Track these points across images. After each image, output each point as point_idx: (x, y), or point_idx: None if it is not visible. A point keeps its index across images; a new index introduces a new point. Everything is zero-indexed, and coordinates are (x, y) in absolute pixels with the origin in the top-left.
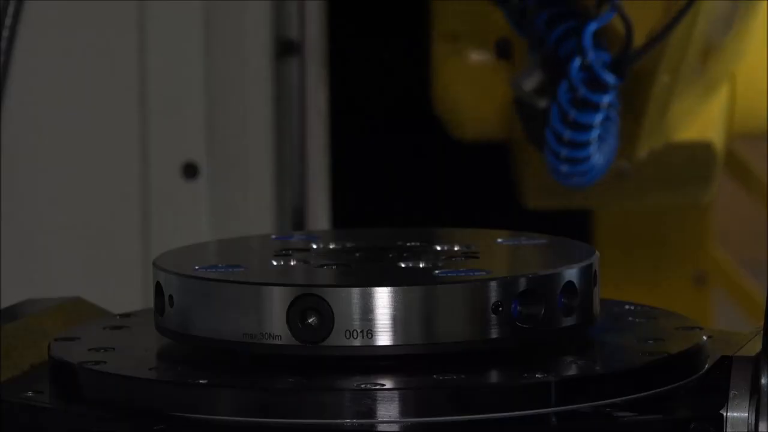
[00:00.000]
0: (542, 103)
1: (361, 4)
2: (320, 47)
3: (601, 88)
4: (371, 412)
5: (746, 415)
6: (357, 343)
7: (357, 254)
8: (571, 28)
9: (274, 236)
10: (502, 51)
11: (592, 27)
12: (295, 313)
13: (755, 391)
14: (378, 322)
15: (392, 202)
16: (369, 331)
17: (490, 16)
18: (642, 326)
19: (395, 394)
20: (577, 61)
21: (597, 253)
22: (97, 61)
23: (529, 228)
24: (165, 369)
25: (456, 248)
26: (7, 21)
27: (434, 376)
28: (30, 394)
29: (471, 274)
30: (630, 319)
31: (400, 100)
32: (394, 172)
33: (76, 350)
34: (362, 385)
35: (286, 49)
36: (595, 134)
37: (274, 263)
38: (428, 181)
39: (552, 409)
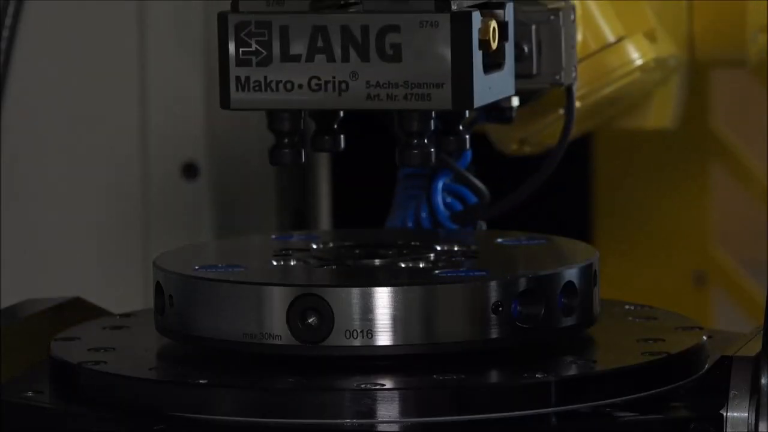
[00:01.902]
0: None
1: None
2: None
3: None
4: (371, 412)
5: (746, 415)
6: (357, 343)
7: (357, 254)
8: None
9: (274, 236)
10: None
11: (439, 184)
12: (295, 313)
13: (755, 391)
14: (378, 322)
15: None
16: (369, 331)
17: None
18: (642, 326)
19: (395, 394)
20: (424, 210)
21: (597, 253)
22: (97, 62)
23: (529, 228)
24: (165, 369)
25: (456, 248)
26: (7, 21)
27: (434, 376)
28: (30, 394)
29: (471, 274)
30: (630, 319)
31: None
32: (394, 172)
33: (76, 350)
34: (362, 385)
35: None
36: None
37: (274, 263)
38: None
39: (552, 409)
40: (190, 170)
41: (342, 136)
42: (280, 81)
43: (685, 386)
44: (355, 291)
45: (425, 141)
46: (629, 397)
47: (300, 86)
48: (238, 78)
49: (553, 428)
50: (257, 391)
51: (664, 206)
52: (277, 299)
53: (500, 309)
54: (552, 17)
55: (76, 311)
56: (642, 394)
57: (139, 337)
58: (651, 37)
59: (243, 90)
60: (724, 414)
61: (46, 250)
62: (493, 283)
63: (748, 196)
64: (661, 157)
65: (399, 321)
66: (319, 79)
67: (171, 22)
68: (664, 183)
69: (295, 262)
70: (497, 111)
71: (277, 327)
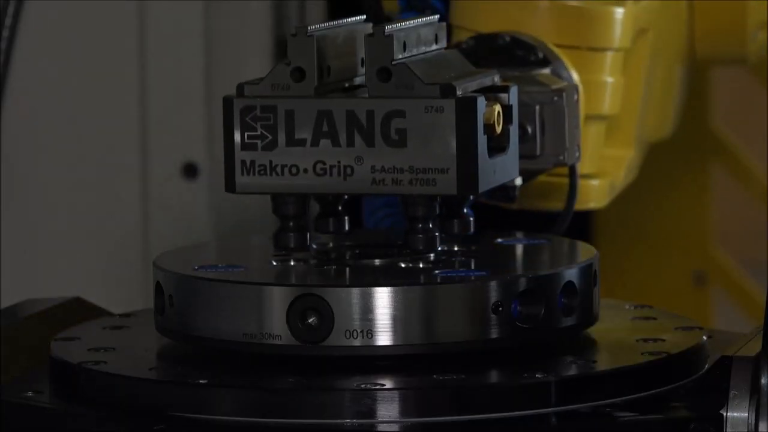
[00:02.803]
0: None
1: (361, 4)
2: None
3: None
4: (371, 412)
5: (746, 415)
6: (357, 343)
7: (357, 254)
8: None
9: None
10: None
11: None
12: (295, 313)
13: (755, 391)
14: (378, 322)
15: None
16: (369, 331)
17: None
18: (642, 326)
19: (395, 394)
20: None
21: (597, 253)
22: (97, 61)
23: (529, 228)
24: (165, 369)
25: (456, 248)
26: (7, 21)
27: (434, 376)
28: (30, 394)
29: (471, 274)
30: (630, 319)
31: None
32: None
33: (76, 350)
34: (362, 385)
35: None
36: None
37: (274, 263)
38: None
39: (552, 409)
40: (190, 170)
41: (347, 218)
42: (286, 165)
43: (685, 386)
44: (355, 291)
45: (430, 225)
46: (629, 397)
47: (305, 170)
48: (243, 162)
49: (553, 428)
50: (257, 391)
51: (664, 206)
52: (277, 299)
53: (500, 309)
54: (555, 98)
55: (76, 311)
56: (642, 394)
57: (139, 337)
58: (623, 170)
59: (248, 174)
60: (724, 414)
61: (46, 250)
62: (493, 283)
63: (748, 196)
64: (661, 157)
65: (399, 321)
66: (324, 163)
67: (171, 22)
68: (664, 183)
69: (294, 262)
70: (501, 190)
71: (277, 327)
